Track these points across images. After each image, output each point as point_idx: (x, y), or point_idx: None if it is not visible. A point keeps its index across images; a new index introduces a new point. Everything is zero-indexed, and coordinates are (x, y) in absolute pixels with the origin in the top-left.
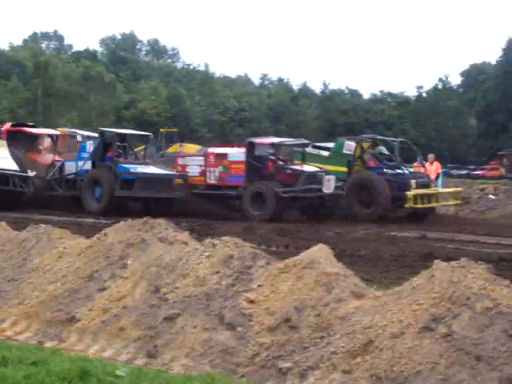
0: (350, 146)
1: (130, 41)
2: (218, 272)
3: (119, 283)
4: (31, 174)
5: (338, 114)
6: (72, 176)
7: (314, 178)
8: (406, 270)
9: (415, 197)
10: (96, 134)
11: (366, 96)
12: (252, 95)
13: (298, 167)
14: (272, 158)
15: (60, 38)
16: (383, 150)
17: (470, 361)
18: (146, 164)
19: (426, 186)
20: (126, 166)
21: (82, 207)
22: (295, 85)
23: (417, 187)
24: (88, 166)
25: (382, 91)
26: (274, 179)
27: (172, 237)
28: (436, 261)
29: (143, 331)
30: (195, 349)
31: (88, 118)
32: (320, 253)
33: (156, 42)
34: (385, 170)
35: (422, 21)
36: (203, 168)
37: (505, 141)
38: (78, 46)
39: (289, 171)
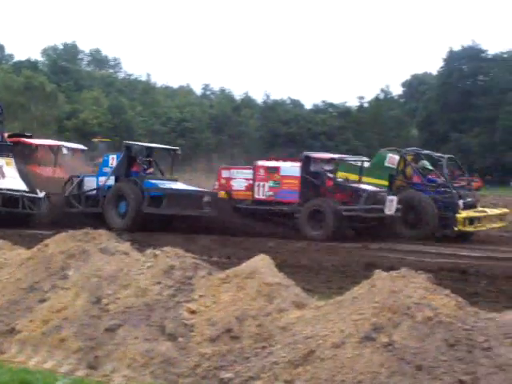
0: (392, 159)
1: (71, 51)
2: (159, 283)
3: (60, 294)
4: (41, 194)
5: (280, 124)
6: (93, 192)
7: (375, 197)
8: (348, 279)
9: (465, 219)
10: (81, 147)
11: (308, 106)
12: (194, 105)
13: (358, 185)
14: (330, 174)
15: (1, 48)
16: (427, 164)
17: (410, 370)
18: (174, 180)
19: (473, 206)
20: (153, 181)
21: (105, 224)
22: (237, 95)
23: (464, 208)
24: (111, 181)
25: (324, 101)
26: (331, 197)
27: (113, 247)
28: (377, 270)
29: (84, 342)
30: (136, 360)
31: (29, 128)
32: (261, 263)
33: (98, 52)
34: (429, 188)
35: (364, 31)
36: (250, 182)
37: (446, 151)
38: (19, 56)
39: (348, 189)
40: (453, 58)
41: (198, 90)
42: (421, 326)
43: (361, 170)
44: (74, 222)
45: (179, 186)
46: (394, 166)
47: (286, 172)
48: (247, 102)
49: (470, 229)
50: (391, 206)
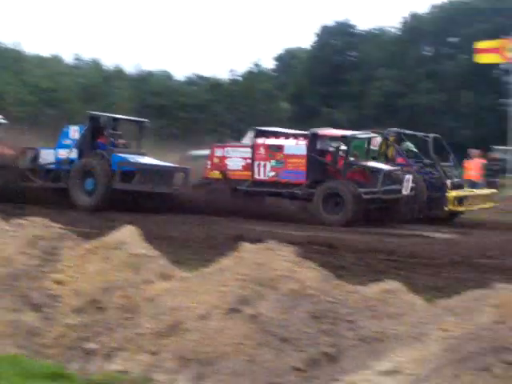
0: (374, 140)
1: None
2: (24, 252)
3: None
4: None
5: (151, 95)
6: (54, 166)
7: (390, 177)
8: (215, 251)
9: (455, 198)
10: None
11: (180, 78)
12: (65, 75)
13: (370, 164)
14: (341, 153)
15: None
16: (411, 146)
17: (275, 342)
18: (142, 154)
19: (460, 186)
20: (122, 155)
21: (69, 201)
22: (108, 65)
23: (452, 188)
24: (74, 154)
25: (195, 74)
26: (342, 177)
27: None
28: (243, 242)
29: None
30: (0, 330)
31: None
32: (128, 234)
33: None
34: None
35: (236, 3)
36: (248, 161)
37: (316, 125)
38: None
39: (361, 168)
40: (325, 33)
41: (69, 60)
42: (286, 299)
43: (368, 146)
44: (32, 197)
45: (149, 160)
46: (376, 148)
47: (290, 150)
48: (118, 72)
49: (460, 208)
50: (407, 185)
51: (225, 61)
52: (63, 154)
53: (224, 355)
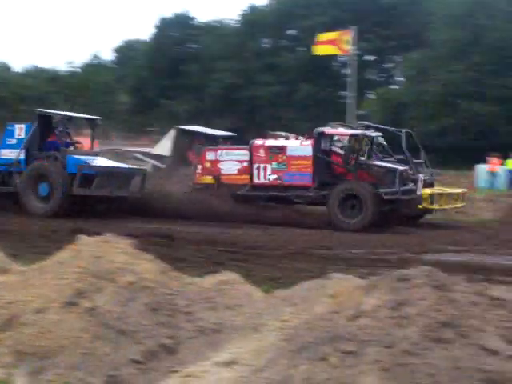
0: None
1: None
2: None
3: None
4: None
5: None
6: (1, 168)
7: (402, 176)
8: (55, 245)
9: (429, 196)
10: None
11: (18, 69)
12: None
13: (386, 164)
14: (352, 153)
15: None
16: (381, 140)
17: (113, 335)
18: (95, 154)
19: (431, 184)
20: (77, 157)
21: (20, 207)
22: None
23: (424, 185)
24: (22, 155)
25: (34, 65)
26: (354, 178)
27: None
28: (80, 235)
29: None
30: None
31: None
32: None
33: None
34: None
35: None
36: (244, 164)
37: (156, 116)
38: None
39: (374, 168)
40: (164, 25)
41: None
42: (124, 291)
43: (371, 146)
44: None
45: (105, 161)
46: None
47: (293, 152)
48: None
49: (434, 207)
50: (420, 186)
51: (64, 52)
52: (7, 154)
53: (61, 349)
